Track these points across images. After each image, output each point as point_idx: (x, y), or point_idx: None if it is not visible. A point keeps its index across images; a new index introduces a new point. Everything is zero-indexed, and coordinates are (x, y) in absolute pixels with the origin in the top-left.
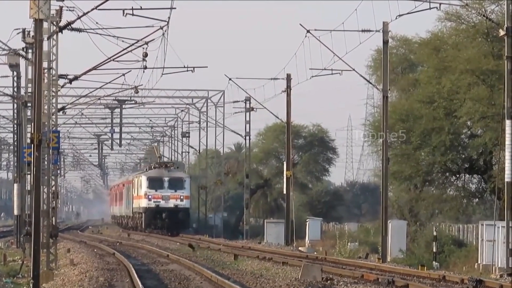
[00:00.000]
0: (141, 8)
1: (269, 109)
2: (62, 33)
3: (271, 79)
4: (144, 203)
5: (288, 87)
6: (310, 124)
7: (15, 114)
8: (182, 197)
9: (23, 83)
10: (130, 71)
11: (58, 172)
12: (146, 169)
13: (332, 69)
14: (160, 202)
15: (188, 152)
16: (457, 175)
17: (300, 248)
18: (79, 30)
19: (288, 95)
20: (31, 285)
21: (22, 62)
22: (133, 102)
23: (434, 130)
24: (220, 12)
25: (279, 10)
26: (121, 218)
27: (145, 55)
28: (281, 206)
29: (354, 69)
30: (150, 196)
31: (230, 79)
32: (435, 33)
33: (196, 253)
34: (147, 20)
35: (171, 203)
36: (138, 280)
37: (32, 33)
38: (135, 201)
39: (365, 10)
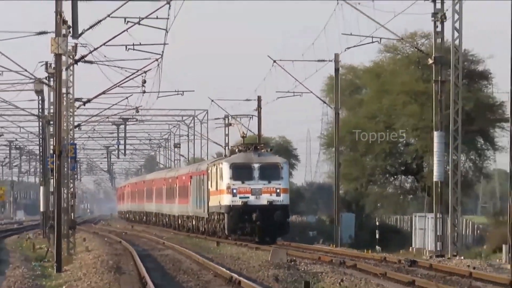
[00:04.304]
0: (140, 44)
1: (244, 124)
2: (77, 64)
3: (246, 100)
4: (226, 200)
5: (259, 106)
6: (277, 136)
7: (40, 131)
8: (278, 191)
9: (46, 106)
10: (132, 94)
11: (75, 176)
12: (224, 155)
13: (294, 92)
14: (249, 198)
15: (180, 160)
16: (395, 176)
17: None
18: (90, 62)
19: (259, 113)
20: (54, 267)
21: (45, 88)
22: (134, 120)
23: (376, 140)
24: (205, 44)
25: (252, 41)
26: (183, 219)
27: (144, 82)
28: None
29: (312, 92)
30: (235, 191)
31: (212, 100)
32: (376, 62)
33: (186, 240)
34: (145, 53)
35: (263, 200)
36: (140, 262)
37: (53, 65)
38: (213, 198)
39: (320, 44)
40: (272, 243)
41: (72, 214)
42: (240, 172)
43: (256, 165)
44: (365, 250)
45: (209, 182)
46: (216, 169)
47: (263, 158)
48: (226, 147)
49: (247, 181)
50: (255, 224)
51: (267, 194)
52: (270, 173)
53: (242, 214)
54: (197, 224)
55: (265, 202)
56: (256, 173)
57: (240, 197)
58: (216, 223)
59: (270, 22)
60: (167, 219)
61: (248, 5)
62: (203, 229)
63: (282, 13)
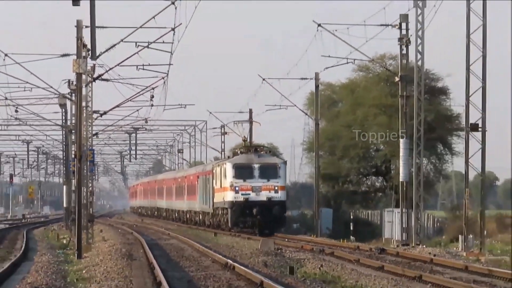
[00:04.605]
0: (148, 65)
1: (237, 132)
2: (95, 82)
3: (239, 112)
4: (230, 196)
5: (250, 117)
6: (266, 143)
7: (63, 138)
8: (276, 188)
9: (68, 117)
10: (142, 107)
11: (93, 177)
12: (227, 157)
13: (280, 105)
14: (249, 195)
15: (183, 163)
16: (367, 177)
17: None
18: (106, 80)
19: (251, 124)
20: (75, 254)
21: (68, 102)
22: (144, 129)
23: (351, 146)
24: (204, 63)
25: (244, 60)
26: (191, 214)
27: (152, 97)
28: None
29: (295, 105)
30: (237, 188)
31: (210, 112)
32: (351, 79)
33: (188, 232)
34: (153, 72)
35: (263, 196)
36: (149, 250)
37: (74, 83)
38: (217, 195)
39: (302, 64)
40: (271, 235)
41: (90, 209)
42: (242, 171)
43: (256, 165)
44: (341, 240)
45: (214, 181)
46: (221, 169)
47: (262, 159)
48: (223, 152)
49: (248, 179)
50: (256, 218)
51: (266, 191)
52: (268, 172)
53: (244, 209)
54: (203, 218)
55: (264, 199)
56: (256, 172)
57: (242, 194)
58: (221, 217)
59: (260, 46)
60: (176, 214)
61: (241, 32)
62: (209, 223)
63: (274, 36)
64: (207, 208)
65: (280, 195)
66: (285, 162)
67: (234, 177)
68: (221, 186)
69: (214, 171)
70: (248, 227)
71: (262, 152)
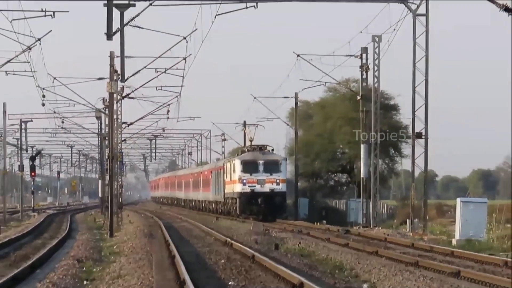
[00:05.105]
0: (165, 86)
1: (235, 139)
2: (123, 99)
3: (235, 123)
4: (238, 188)
5: (244, 128)
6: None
7: (99, 143)
8: (278, 181)
9: (103, 126)
10: (160, 119)
11: (122, 174)
12: (236, 154)
13: (267, 118)
14: (255, 186)
15: (192, 163)
16: (335, 174)
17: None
18: (133, 98)
19: (244, 134)
20: (108, 234)
21: (102, 115)
22: (161, 136)
23: (322, 150)
24: (208, 84)
25: (240, 83)
26: (206, 203)
27: (168, 111)
28: None
29: (279, 118)
30: (244, 181)
31: (213, 123)
32: (323, 98)
33: (196, 217)
34: (169, 92)
35: (266, 188)
36: (165, 230)
37: (107, 100)
38: (228, 186)
39: (285, 85)
40: (273, 221)
41: (120, 198)
42: (249, 167)
43: (261, 161)
44: (315, 223)
45: (225, 175)
46: (231, 165)
47: (266, 156)
48: (223, 154)
49: (254, 173)
50: (260, 207)
51: (269, 183)
52: (271, 167)
53: (250, 199)
54: (216, 206)
55: (268, 190)
56: (261, 168)
57: (249, 186)
58: (230, 205)
59: (251, 71)
60: (193, 203)
61: (237, 60)
62: (220, 210)
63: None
64: (219, 198)
65: (281, 187)
66: (285, 159)
67: (242, 171)
68: (231, 179)
69: (225, 166)
70: (254, 214)
71: (265, 151)
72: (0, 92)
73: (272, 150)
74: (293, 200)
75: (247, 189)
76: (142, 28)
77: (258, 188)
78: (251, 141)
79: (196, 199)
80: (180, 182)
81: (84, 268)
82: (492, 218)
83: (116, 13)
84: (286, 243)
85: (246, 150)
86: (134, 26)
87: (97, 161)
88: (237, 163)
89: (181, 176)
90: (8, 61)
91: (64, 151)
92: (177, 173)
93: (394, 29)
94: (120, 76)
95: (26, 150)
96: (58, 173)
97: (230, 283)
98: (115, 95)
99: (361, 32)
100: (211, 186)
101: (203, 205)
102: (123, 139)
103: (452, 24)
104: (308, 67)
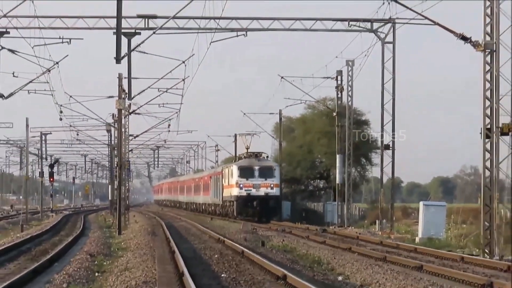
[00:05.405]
0: (167, 103)
1: (227, 150)
2: (130, 115)
3: (227, 135)
4: (235, 191)
5: (235, 140)
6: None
7: (109, 153)
8: (272, 185)
9: (112, 138)
10: (162, 132)
11: (129, 179)
12: (233, 161)
13: (256, 132)
14: (251, 190)
15: (189, 170)
16: (314, 180)
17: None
18: (138, 113)
19: (235, 145)
20: (117, 232)
21: (112, 129)
22: (163, 147)
23: (303, 160)
24: (204, 103)
25: (231, 102)
26: (205, 205)
27: (169, 125)
28: None
29: (266, 131)
30: (241, 185)
31: (208, 136)
32: (303, 114)
33: (192, 217)
34: (170, 109)
35: (262, 192)
36: (166, 229)
37: (116, 115)
38: (226, 190)
39: (271, 103)
40: (268, 222)
41: (127, 201)
42: (245, 172)
43: (256, 167)
44: (296, 223)
45: (224, 180)
46: (228, 170)
47: (261, 162)
48: (216, 163)
49: (250, 178)
50: (256, 209)
51: (264, 187)
52: (266, 173)
53: (247, 202)
54: (215, 209)
55: (263, 194)
56: (256, 173)
57: (245, 190)
58: (228, 208)
59: (241, 90)
60: (194, 206)
61: (229, 79)
62: (219, 212)
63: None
64: (217, 201)
65: (275, 191)
66: (278, 165)
67: (239, 176)
68: (228, 183)
69: (223, 172)
70: (249, 216)
71: (261, 157)
72: (23, 109)
73: (267, 157)
74: None
75: (244, 192)
76: (147, 53)
77: (253, 192)
78: (247, 148)
79: (197, 202)
80: (182, 186)
81: (96, 262)
82: (450, 219)
83: (124, 40)
84: (271, 240)
85: (243, 157)
86: (139, 51)
87: (107, 168)
88: (234, 168)
89: (184, 181)
90: (30, 82)
91: (79, 160)
92: (179, 178)
93: (366, 55)
94: (127, 94)
95: (46, 159)
96: (73, 178)
97: (222, 275)
98: (123, 111)
99: (336, 57)
100: (211, 190)
101: (203, 207)
102: (130, 149)
103: (417, 50)
104: (290, 87)
